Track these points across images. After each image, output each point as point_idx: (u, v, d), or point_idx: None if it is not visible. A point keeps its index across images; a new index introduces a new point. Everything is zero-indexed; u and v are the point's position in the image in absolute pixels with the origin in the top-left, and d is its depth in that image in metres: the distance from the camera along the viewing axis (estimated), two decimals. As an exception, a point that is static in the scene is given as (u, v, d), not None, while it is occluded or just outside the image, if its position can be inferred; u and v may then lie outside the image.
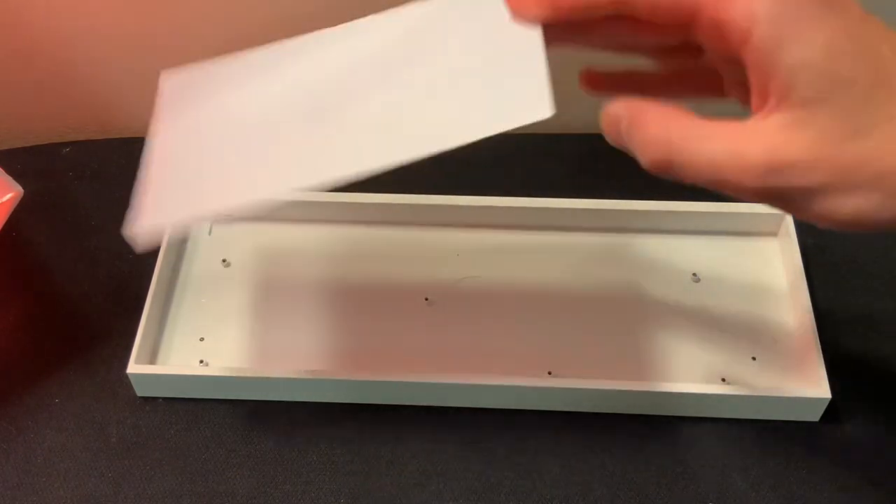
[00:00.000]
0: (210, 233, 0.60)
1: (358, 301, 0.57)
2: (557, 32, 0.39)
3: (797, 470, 0.51)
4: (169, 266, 0.57)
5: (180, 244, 0.59)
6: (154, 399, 0.53)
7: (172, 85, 0.43)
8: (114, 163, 0.65)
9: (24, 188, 0.52)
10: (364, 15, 0.55)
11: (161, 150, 0.42)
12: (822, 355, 0.52)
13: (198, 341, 0.55)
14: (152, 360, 0.54)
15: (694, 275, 0.58)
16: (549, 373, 0.54)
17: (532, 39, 0.38)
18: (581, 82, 0.43)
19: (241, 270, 0.58)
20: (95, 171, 0.64)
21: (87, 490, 0.50)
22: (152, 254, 0.56)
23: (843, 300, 0.57)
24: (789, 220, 0.58)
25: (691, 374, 0.54)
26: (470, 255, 0.59)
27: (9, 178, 0.52)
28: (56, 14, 0.62)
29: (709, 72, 0.40)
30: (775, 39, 0.33)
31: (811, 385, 0.52)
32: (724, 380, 0.53)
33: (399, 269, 0.58)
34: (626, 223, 0.59)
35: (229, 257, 0.59)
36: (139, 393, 0.53)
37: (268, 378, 0.52)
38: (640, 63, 0.42)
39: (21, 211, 0.52)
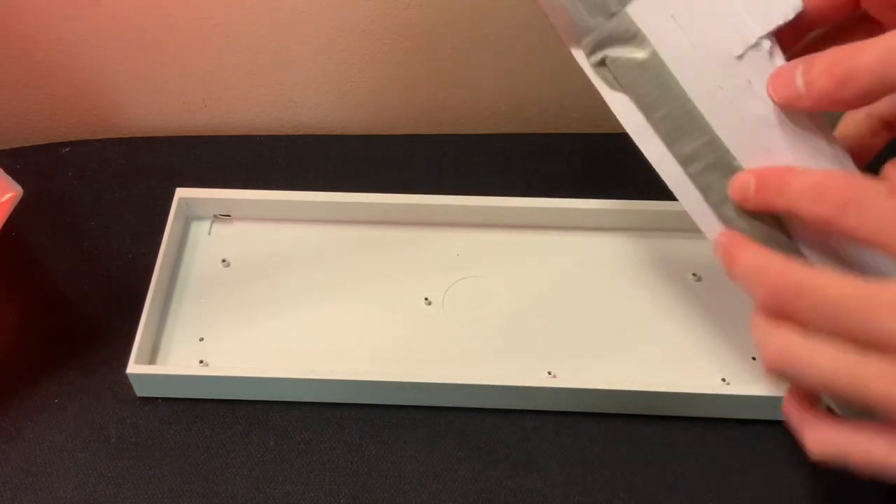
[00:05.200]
0: (210, 233, 0.60)
1: (358, 301, 0.57)
2: None
3: (797, 470, 0.51)
4: (169, 266, 0.57)
5: (180, 244, 0.59)
6: (154, 399, 0.53)
7: None
8: (114, 163, 0.65)
9: (24, 188, 0.52)
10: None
11: None
12: (822, 355, 0.51)
13: (197, 341, 0.55)
14: (152, 360, 0.54)
15: (694, 275, 0.58)
16: (549, 373, 0.54)
17: None
18: None
19: (240, 270, 0.58)
20: (95, 171, 0.64)
21: (87, 490, 0.50)
22: (152, 254, 0.56)
23: (843, 300, 0.57)
24: (789, 220, 0.58)
25: (691, 374, 0.54)
26: (470, 255, 0.59)
27: (9, 179, 0.52)
28: (56, 15, 0.62)
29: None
30: None
31: (811, 385, 0.52)
32: (724, 380, 0.53)
33: (399, 269, 0.58)
34: (625, 223, 0.59)
35: (229, 257, 0.59)
36: (139, 393, 0.53)
37: (268, 378, 0.51)
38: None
39: (21, 211, 0.52)
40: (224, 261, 0.59)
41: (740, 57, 0.39)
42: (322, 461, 0.51)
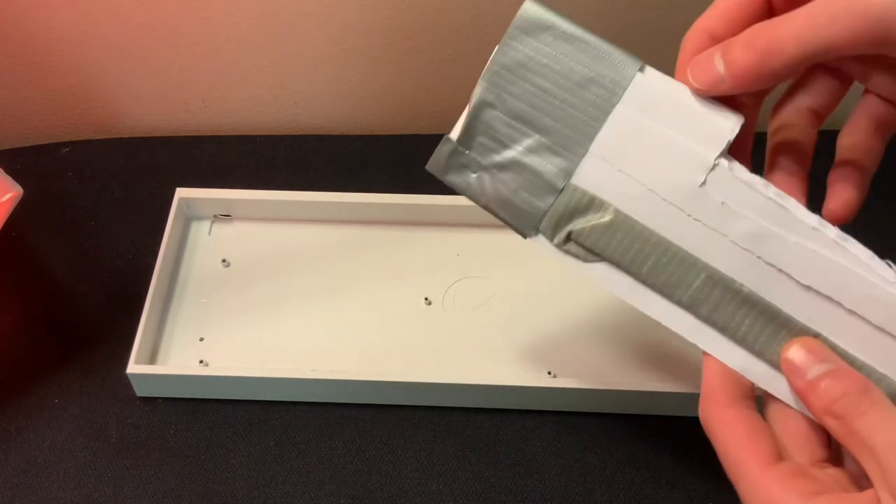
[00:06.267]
0: (210, 233, 0.60)
1: (358, 301, 0.57)
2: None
3: (797, 470, 0.51)
4: (169, 266, 0.57)
5: (180, 244, 0.59)
6: (154, 399, 0.53)
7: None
8: (114, 163, 0.65)
9: (24, 188, 0.52)
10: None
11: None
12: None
13: (198, 341, 0.55)
14: (152, 360, 0.54)
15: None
16: (549, 373, 0.54)
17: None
18: None
19: (241, 270, 0.58)
20: (95, 171, 0.64)
21: (87, 490, 0.50)
22: (152, 254, 0.56)
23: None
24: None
25: (691, 373, 0.54)
26: (470, 255, 0.59)
27: (9, 179, 0.52)
28: (56, 15, 0.62)
29: None
30: None
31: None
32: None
33: (399, 269, 0.58)
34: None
35: (229, 257, 0.59)
36: (139, 393, 0.53)
37: (268, 378, 0.51)
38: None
39: (21, 211, 0.52)
40: (224, 261, 0.59)
41: (703, 184, 0.37)
42: (322, 461, 0.51)
